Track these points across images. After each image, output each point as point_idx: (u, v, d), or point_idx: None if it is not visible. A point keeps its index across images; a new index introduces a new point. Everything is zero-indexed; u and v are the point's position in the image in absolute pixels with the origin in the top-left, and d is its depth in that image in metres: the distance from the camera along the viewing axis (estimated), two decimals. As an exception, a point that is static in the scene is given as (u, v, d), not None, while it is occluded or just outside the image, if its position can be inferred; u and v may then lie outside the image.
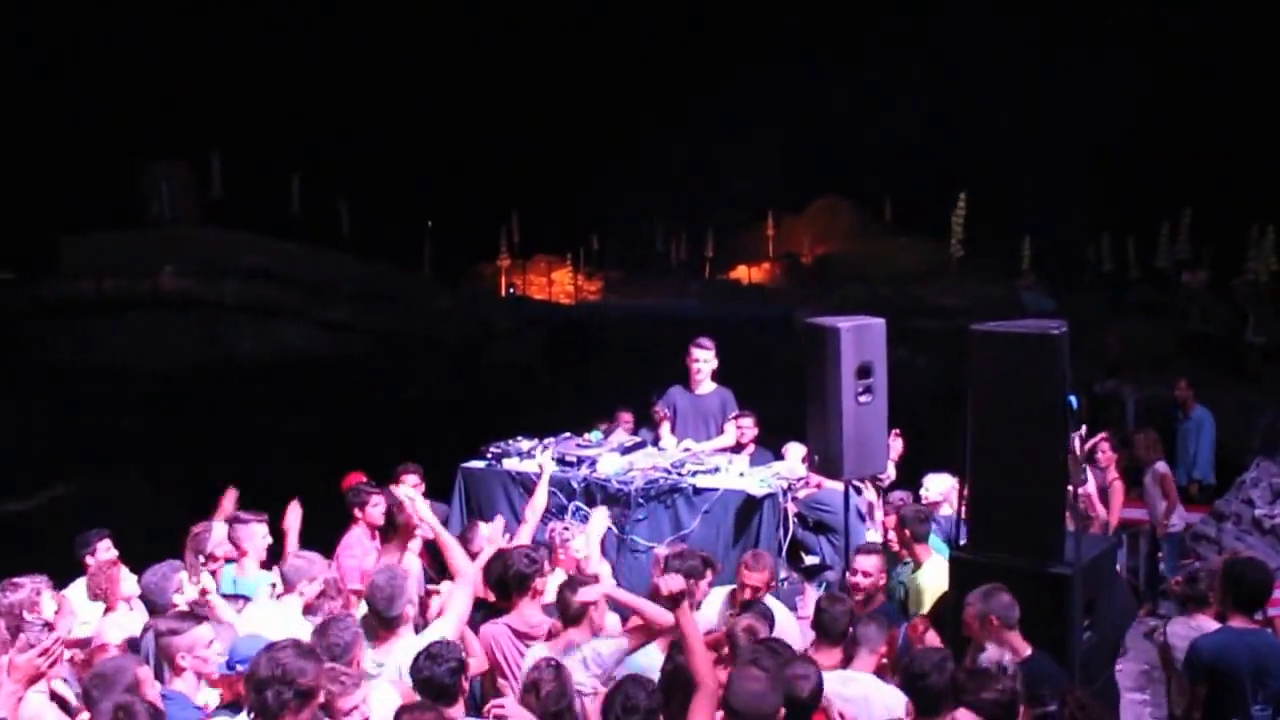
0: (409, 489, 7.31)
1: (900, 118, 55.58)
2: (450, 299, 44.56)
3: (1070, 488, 7.68)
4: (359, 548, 9.99)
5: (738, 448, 12.14)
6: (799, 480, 10.45)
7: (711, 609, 8.55)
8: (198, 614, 6.91)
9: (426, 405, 29.92)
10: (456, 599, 7.07)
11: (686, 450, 11.34)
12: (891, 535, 9.90)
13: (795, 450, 11.13)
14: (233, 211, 44.28)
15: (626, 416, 13.72)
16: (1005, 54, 54.49)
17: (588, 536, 9.27)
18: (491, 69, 62.24)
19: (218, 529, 9.60)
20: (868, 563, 8.77)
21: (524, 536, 9.39)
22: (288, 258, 41.07)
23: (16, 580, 8.00)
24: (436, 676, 5.98)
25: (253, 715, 5.38)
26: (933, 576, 9.02)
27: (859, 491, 10.74)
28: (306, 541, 9.24)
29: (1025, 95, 54.46)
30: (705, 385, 12.09)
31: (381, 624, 7.10)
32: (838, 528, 10.13)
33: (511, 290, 58.46)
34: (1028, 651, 6.71)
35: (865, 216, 61.64)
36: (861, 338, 9.36)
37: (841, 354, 9.21)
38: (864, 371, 9.34)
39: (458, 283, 51.66)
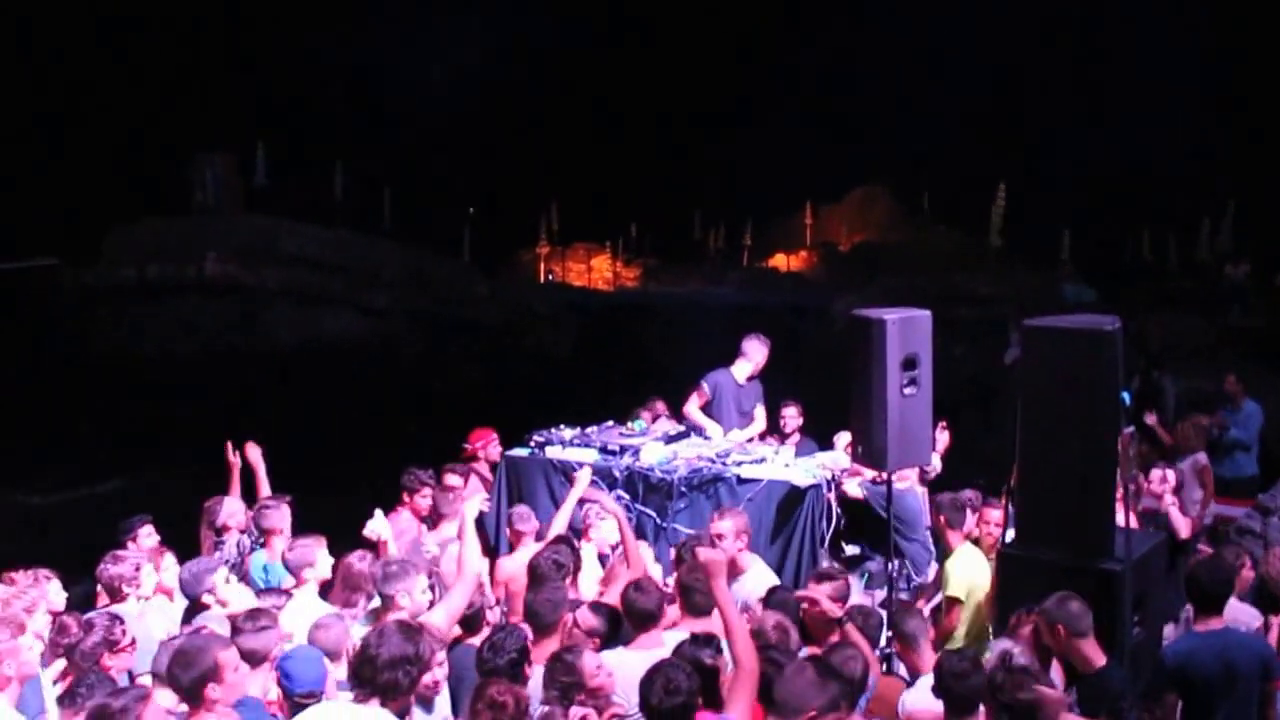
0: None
1: (939, 107, 55.23)
2: (490, 286, 44.54)
3: (1120, 484, 7.60)
4: (405, 531, 10.05)
5: (779, 436, 12.11)
6: (843, 471, 10.40)
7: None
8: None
9: (466, 391, 29.90)
10: (453, 596, 7.03)
11: (733, 441, 11.34)
12: (981, 529, 9.84)
13: (844, 439, 11.09)
14: (276, 200, 44.44)
15: (660, 405, 13.71)
16: (1043, 43, 54.13)
17: (621, 526, 9.17)
18: (533, 59, 62.03)
19: (229, 502, 9.64)
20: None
21: (558, 526, 9.34)
22: (329, 244, 41.14)
23: (120, 553, 8.05)
24: (499, 669, 5.99)
25: (373, 696, 5.46)
26: (962, 563, 8.99)
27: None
28: (349, 528, 9.23)
29: (1063, 85, 54.05)
30: (750, 376, 12.07)
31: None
32: (909, 525, 10.13)
33: (550, 277, 58.44)
34: (1101, 662, 6.55)
35: (903, 206, 61.29)
36: (907, 330, 9.29)
37: (887, 346, 9.15)
38: (909, 363, 9.28)
39: (498, 270, 51.66)
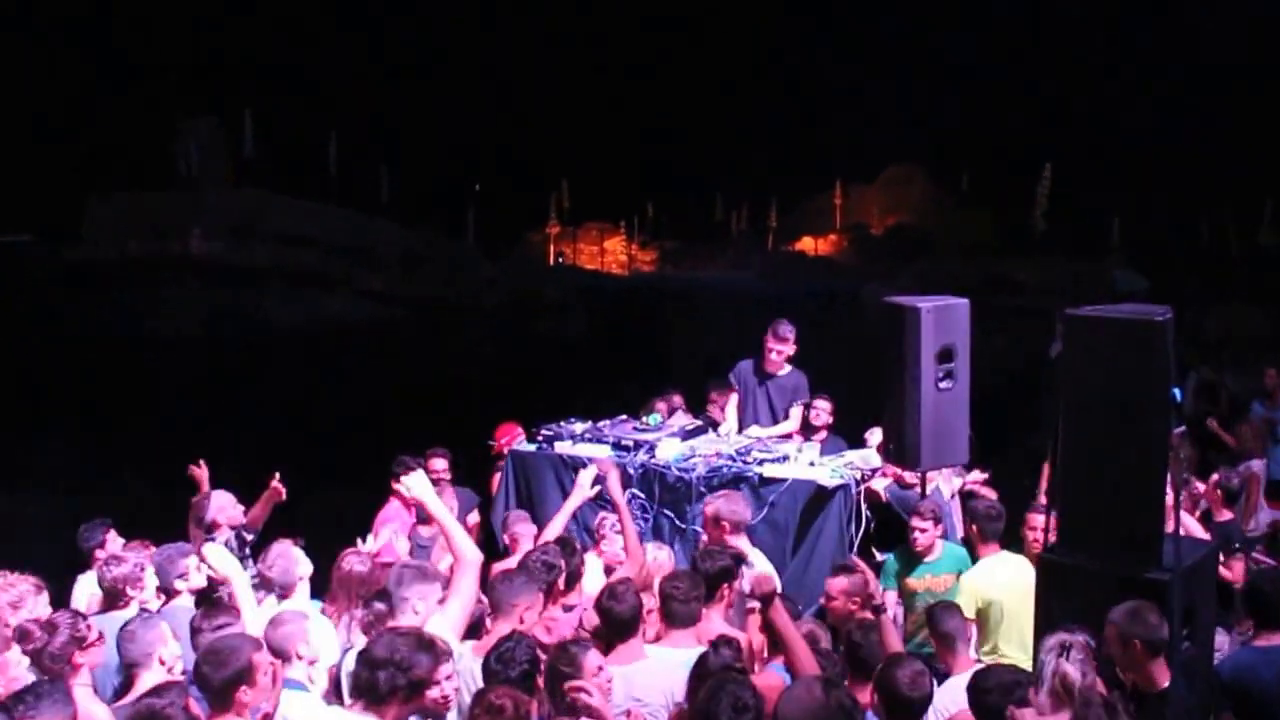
0: (413, 479, 7.24)
1: (981, 81, 55.17)
2: (495, 268, 44.62)
3: (1171, 487, 7.59)
4: (396, 520, 10.12)
5: (806, 432, 12.10)
6: (873, 471, 10.39)
7: (592, 581, 8.52)
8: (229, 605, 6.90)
9: (468, 381, 29.93)
10: (461, 588, 6.96)
11: (753, 437, 11.32)
12: (1025, 535, 9.82)
13: (878, 436, 11.08)
14: (266, 172, 44.51)
15: (677, 398, 13.72)
16: (1091, 17, 54.02)
17: (621, 517, 9.17)
18: (541, 27, 62.12)
19: (218, 495, 9.63)
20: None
21: (555, 528, 9.36)
22: (324, 222, 41.27)
23: (120, 555, 8.12)
24: (511, 682, 5.99)
25: (353, 693, 5.48)
26: (978, 577, 8.92)
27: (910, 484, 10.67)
28: (346, 521, 9.29)
29: (1113, 62, 53.94)
30: (781, 368, 12.05)
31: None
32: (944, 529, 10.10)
33: (561, 260, 58.48)
34: (1165, 682, 6.50)
35: (941, 186, 61.23)
36: (944, 319, 9.29)
37: (921, 336, 9.15)
38: (945, 355, 9.28)
39: (504, 251, 51.72)
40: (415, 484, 7.16)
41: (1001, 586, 8.64)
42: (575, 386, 24.18)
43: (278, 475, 9.49)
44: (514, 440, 12.01)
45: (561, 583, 8.10)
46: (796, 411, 11.93)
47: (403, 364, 32.74)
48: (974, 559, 9.45)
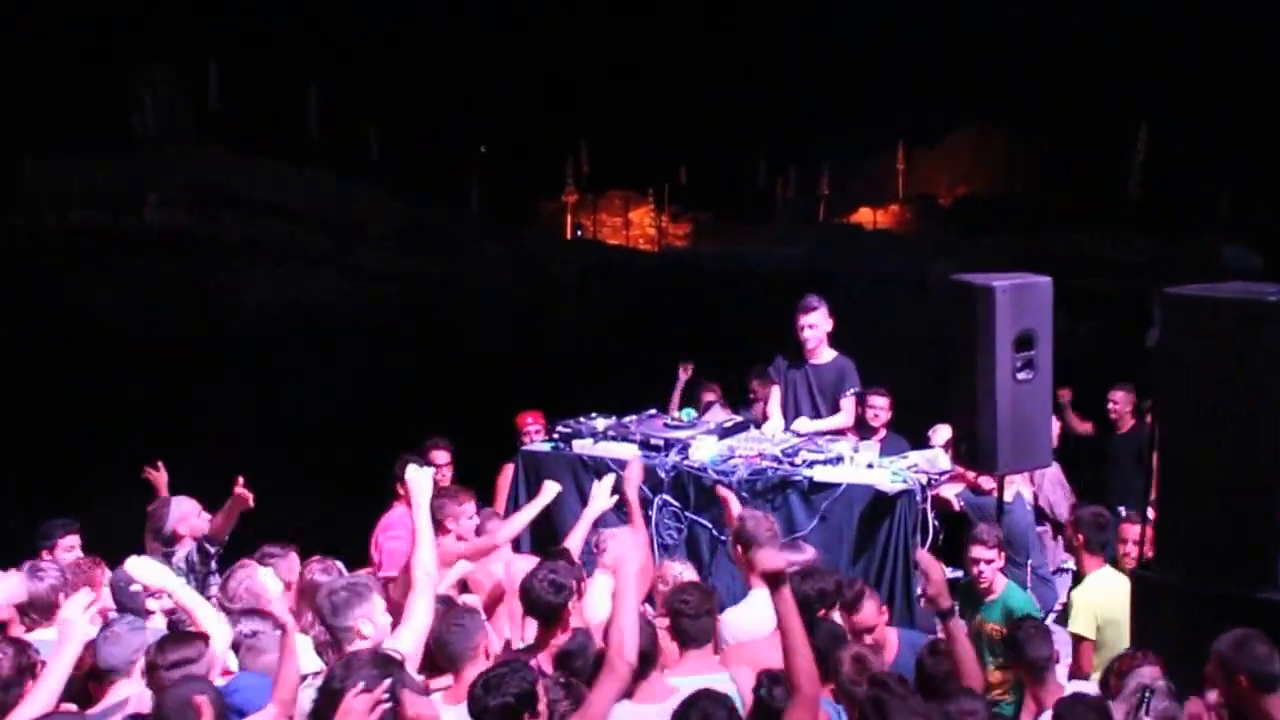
0: (418, 471, 7.33)
1: (1067, 29, 55.02)
2: (503, 244, 44.69)
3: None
4: (401, 528, 10.17)
5: (860, 430, 12.15)
6: (942, 475, 10.43)
7: (601, 596, 8.58)
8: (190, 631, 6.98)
9: (473, 372, 30.03)
10: (413, 613, 7.06)
11: (798, 433, 11.36)
12: (1119, 548, 9.87)
13: (943, 434, 11.11)
14: (235, 130, 44.57)
15: (713, 393, 13.78)
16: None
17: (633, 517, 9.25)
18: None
19: (179, 503, 9.68)
20: None
21: (573, 543, 9.44)
22: (303, 188, 41.38)
23: (43, 567, 8.22)
24: (490, 711, 6.06)
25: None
26: (1093, 592, 8.97)
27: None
28: (339, 526, 9.38)
29: (1220, 11, 53.66)
30: (821, 354, 12.07)
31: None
32: (1016, 547, 10.16)
33: (579, 233, 58.52)
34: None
35: (1019, 150, 61.10)
36: (1022, 300, 9.33)
37: (997, 320, 9.20)
38: (1024, 342, 9.32)
39: (513, 224, 51.71)
40: (416, 477, 7.29)
41: (1122, 607, 8.63)
42: (596, 379, 24.25)
43: (242, 480, 9.56)
44: (542, 428, 12.14)
45: (572, 604, 8.16)
46: (848, 403, 11.97)
47: (395, 353, 32.80)
48: (1078, 574, 9.53)
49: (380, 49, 54.88)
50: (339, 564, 8.88)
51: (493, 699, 6.06)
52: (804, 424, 11.76)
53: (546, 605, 7.78)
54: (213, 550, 9.53)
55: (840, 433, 11.74)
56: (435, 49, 56.99)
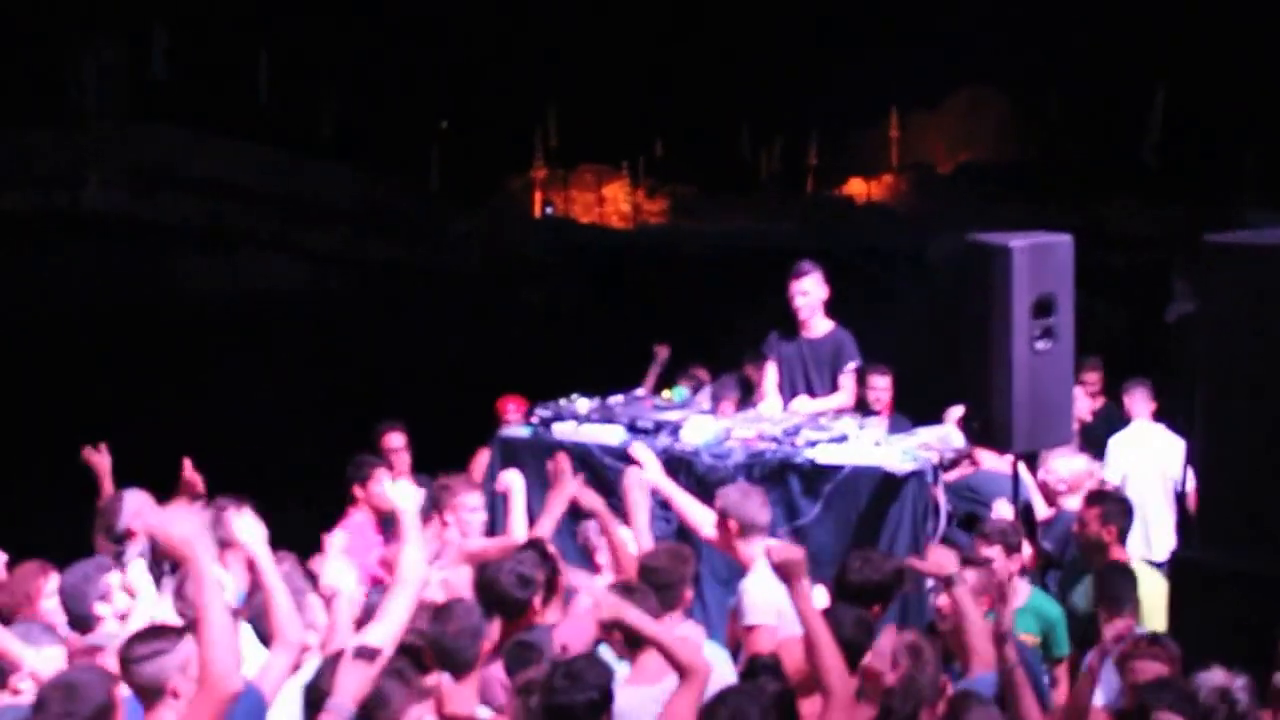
0: (393, 487, 7.30)
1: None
2: (467, 222, 44.60)
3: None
4: (359, 539, 10.06)
5: (861, 412, 12.09)
6: (955, 454, 10.39)
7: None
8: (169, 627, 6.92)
9: (434, 362, 30.00)
10: (391, 608, 7.07)
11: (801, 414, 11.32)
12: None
13: (957, 413, 11.07)
14: (180, 102, 44.33)
15: (702, 374, 13.75)
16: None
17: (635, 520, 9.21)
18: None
19: (131, 497, 9.61)
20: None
21: (544, 531, 9.34)
22: (252, 165, 41.22)
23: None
24: (575, 706, 6.06)
25: None
26: (1154, 586, 8.87)
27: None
28: (289, 529, 9.29)
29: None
30: (815, 325, 12.04)
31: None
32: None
33: (549, 210, 58.39)
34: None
35: (1023, 113, 61.04)
36: (1041, 261, 9.30)
37: (1013, 283, 9.17)
38: (1043, 307, 9.29)
39: (477, 201, 51.62)
40: (397, 494, 7.31)
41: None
42: (569, 368, 24.18)
43: (189, 463, 9.49)
44: (523, 412, 12.08)
45: (538, 603, 8.10)
46: (847, 380, 11.94)
47: (352, 342, 32.71)
48: (1089, 570, 9.41)
49: (335, 13, 54.60)
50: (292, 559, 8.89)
51: (578, 694, 6.05)
52: (802, 404, 11.70)
53: (511, 601, 7.72)
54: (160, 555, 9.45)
55: (841, 413, 11.69)
56: (392, 13, 56.78)
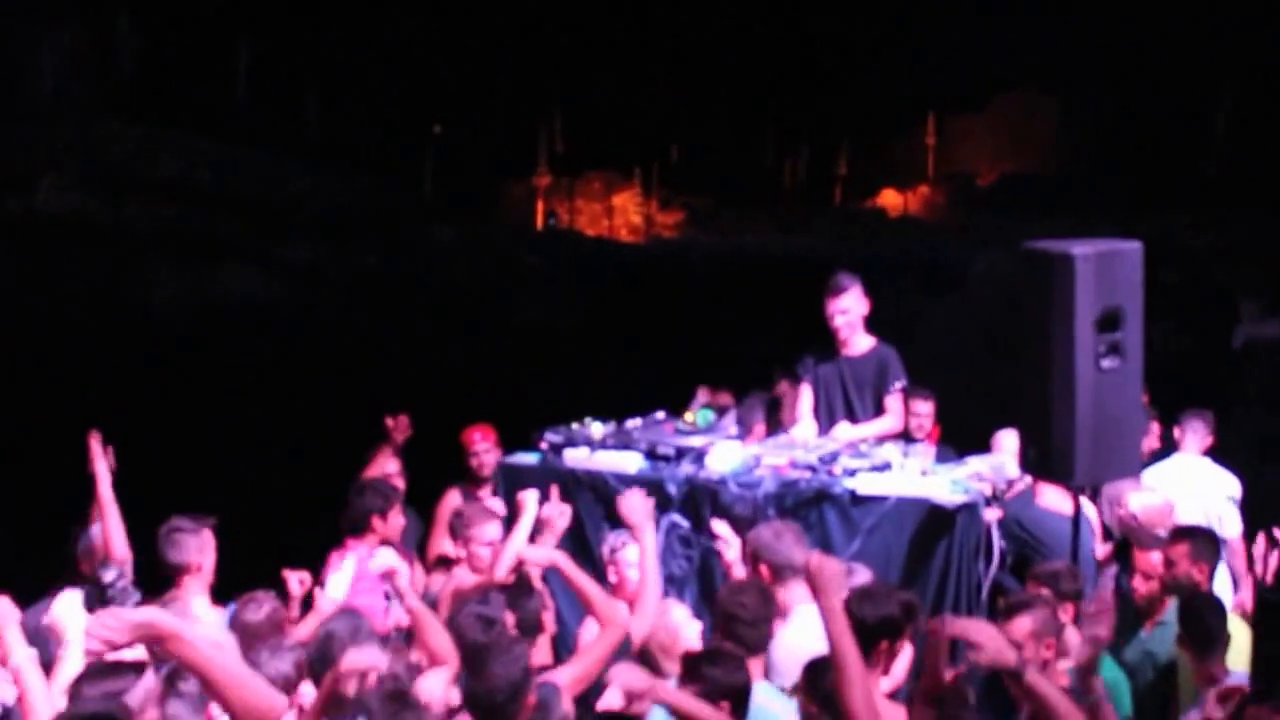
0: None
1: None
2: (463, 232, 44.61)
3: None
4: (366, 579, 10.03)
5: (905, 436, 12.03)
6: (1010, 485, 10.30)
7: None
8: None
9: (425, 385, 29.98)
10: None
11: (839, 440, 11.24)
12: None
13: (1009, 440, 10.98)
14: (147, 100, 44.38)
15: (725, 398, 13.71)
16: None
17: (643, 551, 9.18)
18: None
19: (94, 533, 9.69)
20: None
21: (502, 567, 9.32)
22: (226, 166, 41.19)
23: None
24: None
25: None
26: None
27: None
28: (267, 558, 9.27)
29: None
30: (856, 343, 12.00)
31: None
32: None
33: (552, 221, 58.50)
34: None
35: (1072, 118, 61.05)
36: (1108, 270, 9.23)
37: (1077, 295, 9.08)
38: (1110, 321, 9.21)
39: (474, 209, 51.69)
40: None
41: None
42: (570, 391, 24.18)
43: (98, 435, 9.56)
44: (491, 447, 12.06)
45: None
46: (894, 402, 11.88)
47: (332, 361, 32.72)
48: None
49: (320, 2, 54.70)
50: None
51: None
52: (844, 430, 11.61)
53: (475, 645, 7.71)
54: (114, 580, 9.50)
55: (885, 439, 11.62)
56: (383, 3, 56.87)
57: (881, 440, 11.22)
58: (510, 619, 8.21)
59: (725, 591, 7.71)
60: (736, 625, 7.31)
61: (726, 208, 60.80)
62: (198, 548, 9.29)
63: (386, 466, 11.49)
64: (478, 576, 9.56)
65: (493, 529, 9.74)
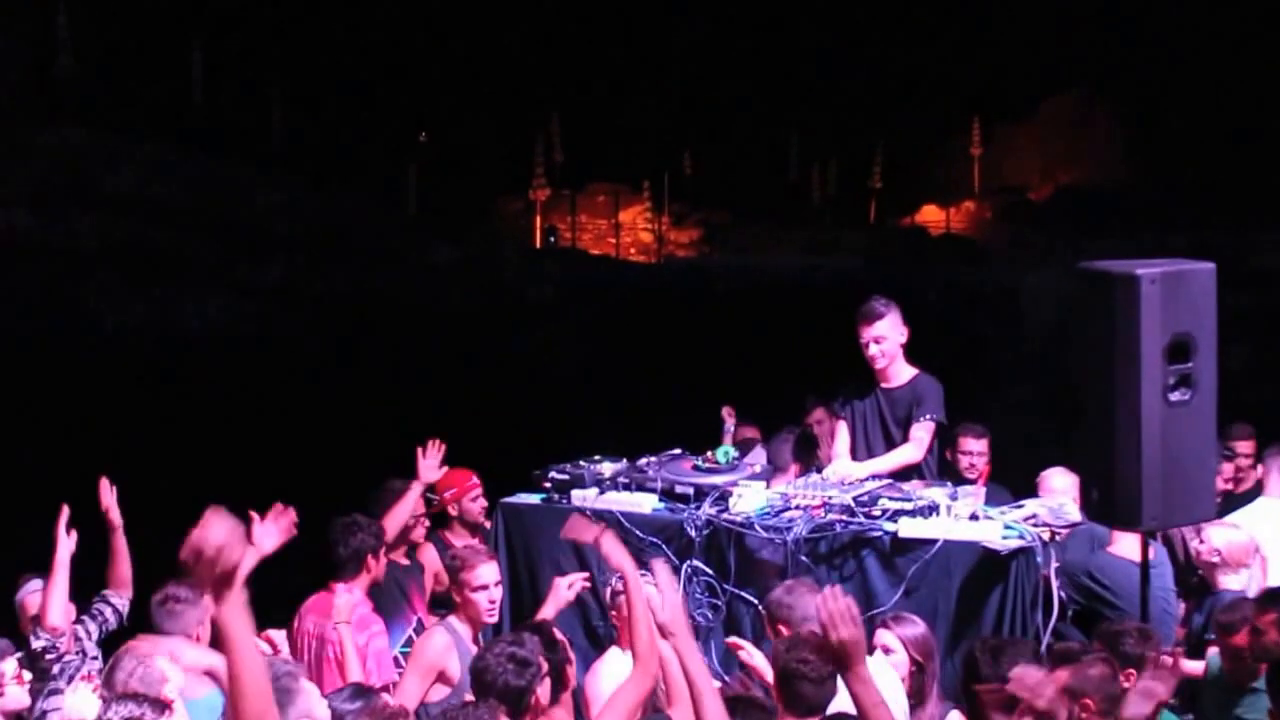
0: None
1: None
2: (453, 252, 44.70)
3: None
4: (373, 623, 10.17)
5: (952, 478, 12.09)
6: (1069, 528, 10.37)
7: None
8: None
9: (413, 420, 29.98)
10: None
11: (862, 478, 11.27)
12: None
13: (1060, 479, 11.05)
14: (94, 106, 44.44)
15: (749, 432, 13.79)
16: None
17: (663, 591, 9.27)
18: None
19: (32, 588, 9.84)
20: None
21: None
22: (184, 179, 41.26)
23: None
24: None
25: None
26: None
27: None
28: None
29: None
30: (895, 374, 12.07)
31: None
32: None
33: (552, 240, 58.51)
34: None
35: (1134, 123, 61.07)
36: (1176, 293, 9.26)
37: (1142, 320, 9.12)
38: (1180, 350, 9.25)
39: (465, 227, 51.67)
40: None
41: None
42: (574, 427, 24.24)
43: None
44: (464, 494, 12.14)
45: (544, 694, 8.14)
46: (921, 431, 11.86)
47: (304, 395, 32.73)
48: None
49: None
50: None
51: None
52: (850, 466, 11.65)
53: (507, 689, 7.77)
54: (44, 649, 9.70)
55: (908, 470, 11.66)
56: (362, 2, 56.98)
57: (897, 475, 11.25)
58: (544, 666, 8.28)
59: (781, 647, 7.75)
60: (800, 684, 7.34)
61: (747, 224, 60.85)
62: (198, 619, 9.39)
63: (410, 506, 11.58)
64: (475, 625, 9.65)
65: (489, 571, 9.79)
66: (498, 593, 9.82)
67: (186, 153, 42.98)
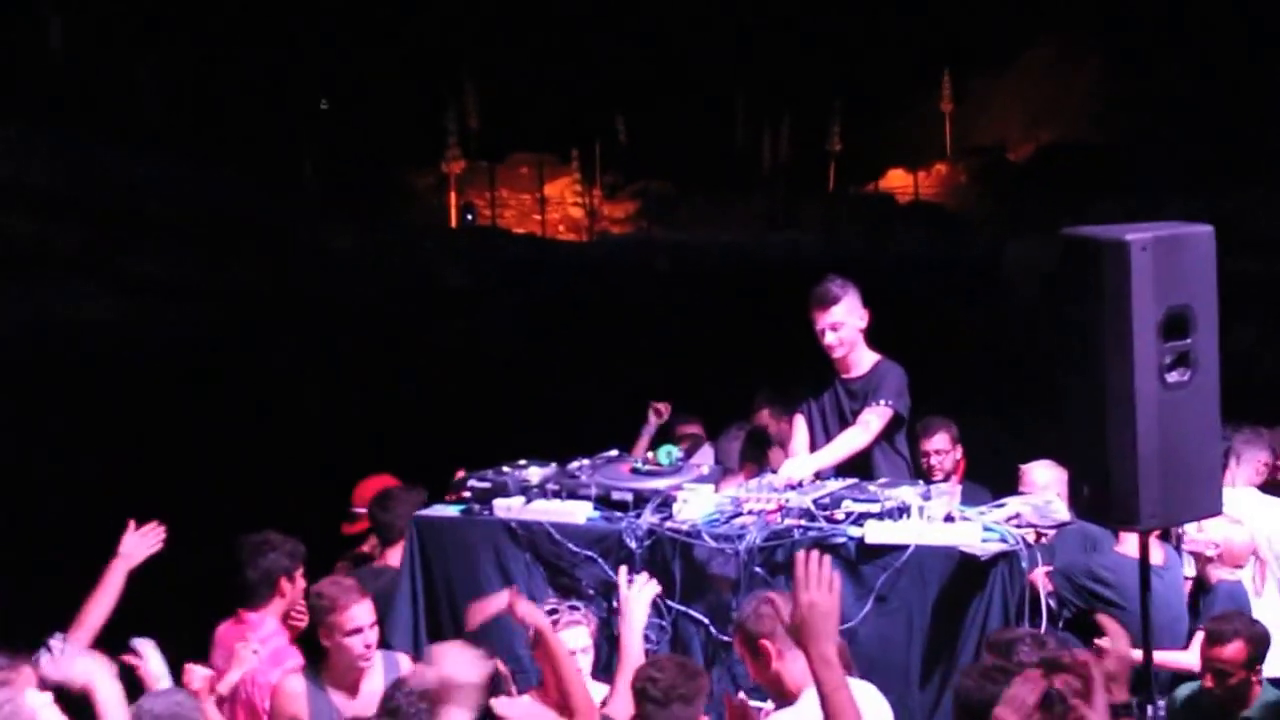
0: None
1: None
2: (355, 236, 44.74)
3: None
4: (280, 657, 10.16)
5: (922, 478, 12.15)
6: (1056, 528, 10.40)
7: None
8: None
9: (318, 420, 30.13)
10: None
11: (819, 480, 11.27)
12: None
13: (1044, 474, 11.09)
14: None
15: (694, 428, 13.84)
16: None
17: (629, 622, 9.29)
18: None
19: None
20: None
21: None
22: (52, 160, 41.25)
23: None
24: None
25: None
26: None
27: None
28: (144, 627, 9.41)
29: None
30: (856, 362, 12.08)
31: None
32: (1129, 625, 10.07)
33: (470, 217, 58.55)
34: None
35: (1123, 74, 61.37)
36: (1171, 260, 9.23)
37: (1133, 292, 9.10)
38: (1177, 325, 9.23)
39: (370, 206, 51.69)
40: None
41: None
42: (496, 428, 24.31)
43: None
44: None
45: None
46: (873, 416, 11.85)
47: (188, 397, 32.70)
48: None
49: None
50: None
51: None
52: (790, 466, 11.65)
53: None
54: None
55: (855, 462, 11.68)
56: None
57: (838, 454, 11.22)
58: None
59: (640, 669, 7.85)
60: (645, 704, 7.49)
61: (690, 195, 61.01)
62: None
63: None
64: (350, 672, 9.52)
65: (363, 610, 9.59)
66: (373, 635, 9.68)
67: (46, 128, 42.84)
